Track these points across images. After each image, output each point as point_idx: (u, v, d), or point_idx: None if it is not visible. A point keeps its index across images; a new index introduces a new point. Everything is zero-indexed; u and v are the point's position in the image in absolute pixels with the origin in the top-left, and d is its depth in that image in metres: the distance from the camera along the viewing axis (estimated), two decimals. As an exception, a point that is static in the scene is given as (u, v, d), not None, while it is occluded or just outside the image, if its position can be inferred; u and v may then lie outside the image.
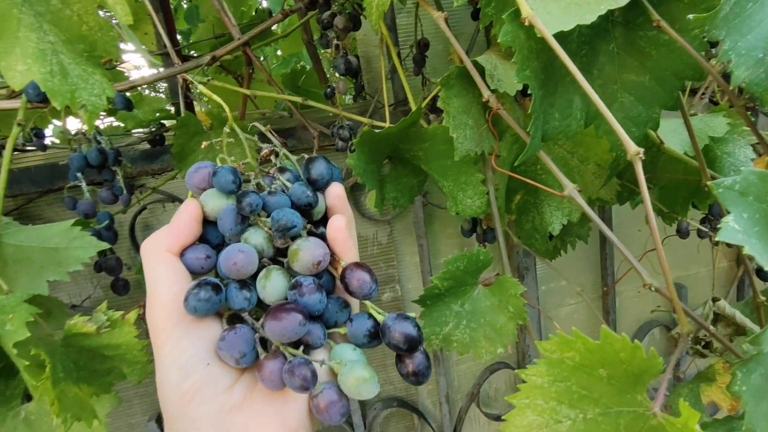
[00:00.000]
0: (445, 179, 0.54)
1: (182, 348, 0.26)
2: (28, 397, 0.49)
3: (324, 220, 0.31)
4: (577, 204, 0.62)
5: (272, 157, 0.32)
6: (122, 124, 0.84)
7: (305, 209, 0.30)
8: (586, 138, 0.60)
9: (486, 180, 0.52)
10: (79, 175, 0.53)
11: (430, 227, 0.91)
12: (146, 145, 0.78)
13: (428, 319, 0.43)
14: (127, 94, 0.65)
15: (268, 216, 0.30)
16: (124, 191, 0.57)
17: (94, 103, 0.36)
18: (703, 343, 0.62)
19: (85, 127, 0.54)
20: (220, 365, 0.27)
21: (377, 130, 0.48)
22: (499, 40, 0.33)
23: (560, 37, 0.32)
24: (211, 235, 0.30)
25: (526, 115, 0.60)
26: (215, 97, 0.32)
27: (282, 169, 0.32)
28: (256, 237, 0.29)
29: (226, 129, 0.34)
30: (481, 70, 0.44)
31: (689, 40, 0.36)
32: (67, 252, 0.46)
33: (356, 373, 0.26)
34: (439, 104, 0.45)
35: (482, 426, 1.05)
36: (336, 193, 0.31)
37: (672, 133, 0.57)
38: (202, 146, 0.33)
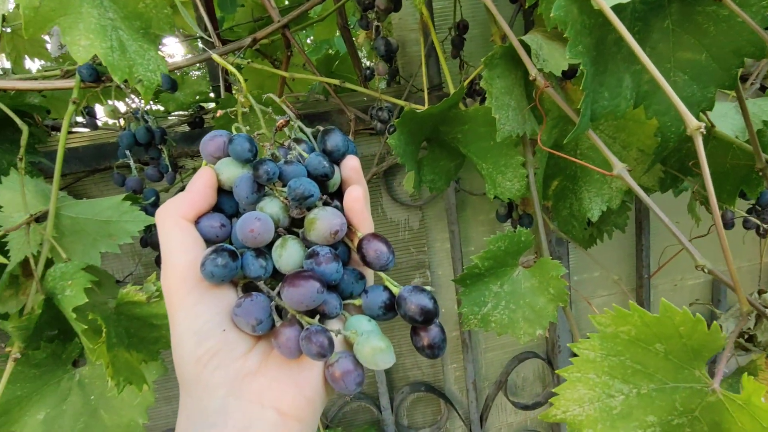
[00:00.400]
0: (484, 162, 0.54)
1: (197, 314, 0.26)
2: (74, 363, 0.51)
3: (338, 193, 0.31)
4: (619, 189, 0.61)
5: (286, 129, 0.32)
6: (161, 108, 0.87)
7: (321, 180, 0.30)
8: (629, 123, 0.58)
9: (526, 163, 0.51)
10: (127, 152, 0.55)
11: (462, 214, 0.90)
12: (186, 128, 0.80)
13: (467, 298, 0.43)
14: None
15: (283, 186, 0.29)
16: (170, 169, 0.59)
17: (149, 78, 0.37)
18: (746, 337, 0.60)
19: (133, 107, 0.56)
20: (236, 332, 0.26)
21: (418, 110, 0.47)
22: (551, 15, 0.32)
23: (614, 12, 0.32)
24: (225, 205, 0.30)
25: (569, 98, 0.59)
26: (234, 69, 0.32)
27: (297, 141, 0.32)
28: (272, 206, 0.29)
29: (241, 98, 0.33)
30: (527, 49, 0.43)
31: (751, 14, 0.35)
32: (118, 225, 0.48)
33: (372, 343, 0.26)
34: (482, 84, 0.45)
35: (509, 414, 1.05)
36: (352, 165, 0.31)
37: (722, 117, 0.55)
38: (218, 114, 0.33)
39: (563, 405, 0.26)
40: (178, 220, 0.28)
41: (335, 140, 0.30)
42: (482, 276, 0.43)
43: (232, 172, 0.29)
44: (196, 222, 0.28)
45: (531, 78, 0.40)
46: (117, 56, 0.34)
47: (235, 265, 0.27)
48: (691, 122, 0.28)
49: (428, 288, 0.27)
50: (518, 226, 0.72)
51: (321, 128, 0.32)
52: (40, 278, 0.44)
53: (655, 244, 0.96)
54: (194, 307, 0.26)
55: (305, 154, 0.30)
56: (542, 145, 0.44)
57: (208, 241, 0.28)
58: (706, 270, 0.30)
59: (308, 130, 0.32)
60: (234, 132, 0.30)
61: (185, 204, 0.28)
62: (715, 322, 0.23)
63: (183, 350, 0.26)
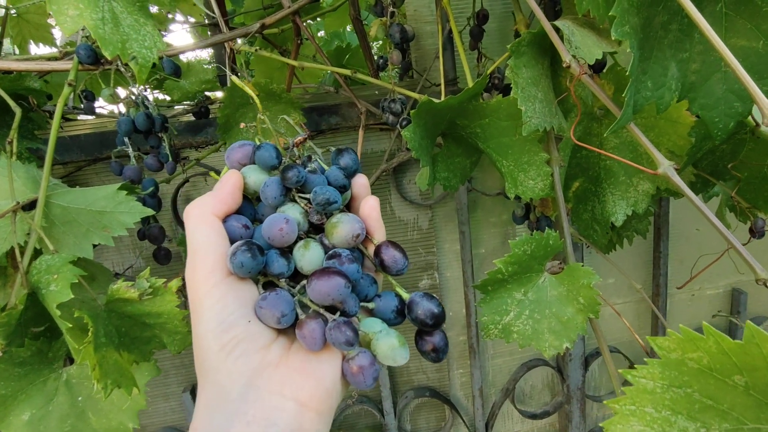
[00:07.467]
0: (505, 158, 0.50)
1: (225, 305, 0.27)
2: (70, 360, 0.49)
3: (346, 207, 0.33)
4: (646, 192, 0.57)
5: (296, 149, 0.34)
6: (167, 97, 0.84)
7: (339, 191, 0.32)
8: (660, 121, 0.55)
9: (551, 160, 0.48)
10: (126, 140, 0.52)
11: (473, 214, 0.87)
12: (190, 117, 0.77)
13: (488, 306, 0.39)
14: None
15: (302, 194, 0.31)
16: (170, 158, 0.55)
17: (144, 55, 0.34)
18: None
19: (135, 92, 0.53)
20: (259, 325, 0.28)
21: (436, 101, 0.44)
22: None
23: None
24: (245, 211, 0.32)
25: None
26: (249, 87, 0.33)
27: (310, 157, 0.34)
28: (293, 211, 0.31)
29: (260, 116, 0.36)
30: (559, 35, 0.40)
31: (819, -3, 0.31)
32: (112, 216, 0.45)
33: (390, 341, 0.27)
34: (507, 73, 0.41)
35: (515, 423, 1.02)
36: (362, 182, 0.34)
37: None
38: (242, 127, 0.33)
39: (613, 442, 0.23)
40: (210, 216, 0.29)
41: (348, 159, 0.33)
42: (505, 282, 0.39)
43: (257, 177, 0.31)
44: (224, 221, 0.30)
45: (565, 65, 0.36)
46: (108, 29, 0.31)
47: (262, 260, 0.28)
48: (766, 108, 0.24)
49: (434, 295, 0.29)
50: (536, 229, 0.69)
51: (332, 149, 0.34)
52: (25, 271, 0.41)
53: (674, 252, 0.92)
54: (222, 299, 0.27)
55: (325, 167, 0.33)
56: (575, 139, 0.40)
57: (232, 241, 0.30)
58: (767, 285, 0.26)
59: (319, 150, 0.35)
60: (257, 142, 0.32)
61: (216, 202, 0.30)
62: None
63: (210, 335, 0.26)
